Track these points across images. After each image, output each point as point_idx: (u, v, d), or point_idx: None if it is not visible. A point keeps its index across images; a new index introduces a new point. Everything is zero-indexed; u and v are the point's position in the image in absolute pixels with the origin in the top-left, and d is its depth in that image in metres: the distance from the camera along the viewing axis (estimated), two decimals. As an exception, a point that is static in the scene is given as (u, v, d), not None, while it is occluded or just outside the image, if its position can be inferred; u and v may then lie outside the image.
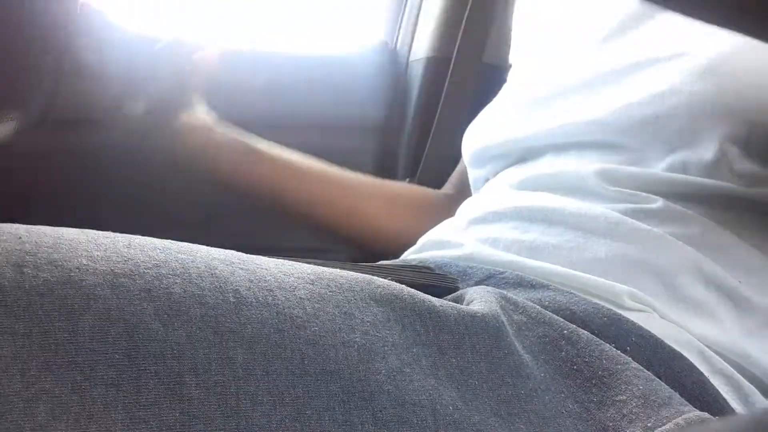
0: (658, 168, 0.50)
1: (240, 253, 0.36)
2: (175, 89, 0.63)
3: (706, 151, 0.48)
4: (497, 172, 0.63)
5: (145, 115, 0.62)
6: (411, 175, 0.99)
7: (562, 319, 0.41)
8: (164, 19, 0.86)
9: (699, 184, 0.48)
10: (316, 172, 0.73)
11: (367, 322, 0.35)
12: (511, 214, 0.53)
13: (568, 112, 0.56)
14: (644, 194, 0.49)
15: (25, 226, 0.32)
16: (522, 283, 0.46)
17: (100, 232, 0.34)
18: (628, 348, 0.41)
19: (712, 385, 0.42)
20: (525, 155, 0.60)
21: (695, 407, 0.39)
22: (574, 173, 0.52)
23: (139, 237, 0.34)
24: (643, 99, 0.51)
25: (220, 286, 0.32)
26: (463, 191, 0.71)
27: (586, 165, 0.53)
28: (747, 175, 0.48)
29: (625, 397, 0.37)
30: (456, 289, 0.44)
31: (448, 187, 0.81)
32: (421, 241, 0.60)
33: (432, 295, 0.39)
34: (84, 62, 0.58)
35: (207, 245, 0.36)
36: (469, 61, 0.98)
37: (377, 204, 0.74)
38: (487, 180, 0.65)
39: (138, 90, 0.62)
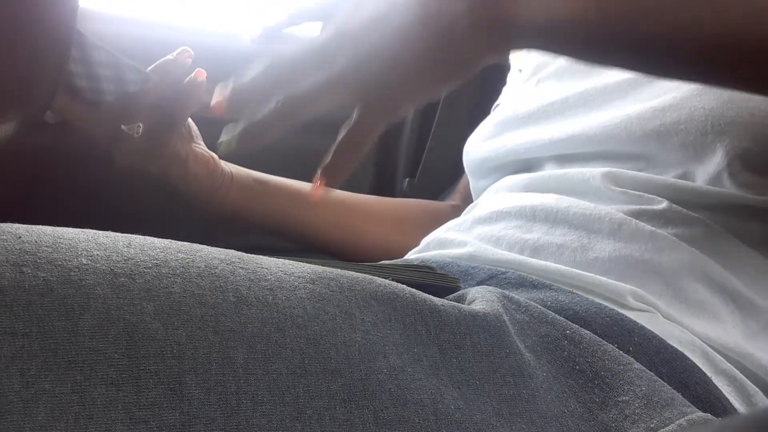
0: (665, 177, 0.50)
1: (240, 253, 0.36)
2: (169, 111, 0.62)
3: (710, 164, 0.48)
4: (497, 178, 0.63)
5: (142, 139, 0.61)
6: (411, 175, 0.99)
7: (564, 319, 0.41)
8: (163, 16, 0.86)
9: (704, 192, 0.48)
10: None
11: (368, 321, 0.35)
12: (515, 213, 0.53)
13: (569, 125, 0.56)
14: (649, 196, 0.49)
15: (24, 225, 0.32)
16: (524, 283, 0.46)
17: (100, 232, 0.33)
18: (631, 348, 0.41)
19: (715, 385, 0.42)
20: (527, 166, 0.60)
21: (698, 408, 0.38)
22: (581, 174, 0.52)
23: (139, 236, 0.34)
24: (644, 114, 0.51)
25: (221, 286, 0.32)
26: (470, 201, 0.71)
27: (592, 169, 0.53)
28: (750, 185, 0.48)
29: (627, 398, 0.37)
30: (458, 289, 0.44)
31: (455, 197, 0.81)
32: (425, 240, 0.59)
33: (433, 295, 0.39)
34: (78, 88, 0.57)
35: (207, 244, 0.36)
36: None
37: (386, 224, 0.74)
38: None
39: (133, 113, 0.61)
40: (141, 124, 0.61)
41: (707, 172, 0.48)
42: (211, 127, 0.70)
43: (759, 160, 0.47)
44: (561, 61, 0.62)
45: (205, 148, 0.68)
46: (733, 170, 0.47)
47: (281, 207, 0.70)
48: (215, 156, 0.67)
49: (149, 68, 0.61)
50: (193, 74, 0.61)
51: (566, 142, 0.55)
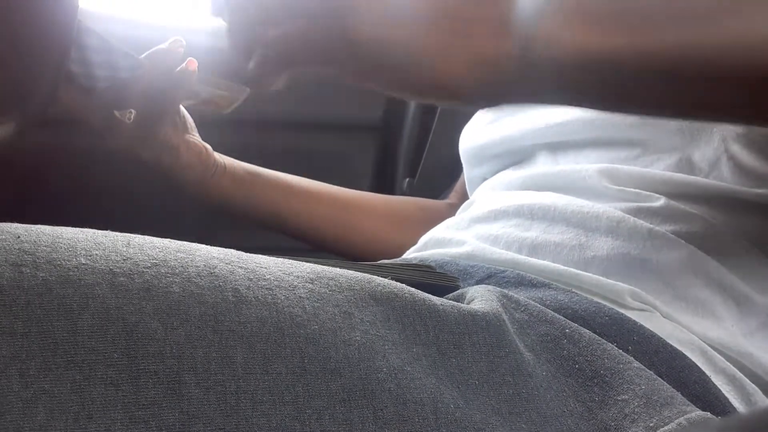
0: (661, 166, 0.50)
1: (239, 252, 0.36)
2: (160, 98, 0.63)
3: (708, 149, 0.48)
4: (495, 172, 0.63)
5: (134, 125, 0.62)
6: (411, 175, 0.99)
7: (563, 318, 0.41)
8: (162, 17, 0.86)
9: (701, 185, 0.48)
10: (317, 193, 0.73)
11: (367, 321, 0.34)
12: (513, 212, 0.53)
13: (565, 110, 0.56)
14: (646, 193, 0.49)
15: (23, 225, 0.32)
16: (523, 282, 0.46)
17: (99, 231, 0.33)
18: (630, 347, 0.41)
19: (714, 384, 0.42)
20: (521, 154, 0.60)
21: (697, 407, 0.38)
22: (576, 172, 0.52)
23: (138, 236, 0.34)
24: None
25: (220, 285, 0.32)
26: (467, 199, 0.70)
27: (587, 164, 0.53)
28: (749, 173, 0.47)
29: (627, 397, 0.37)
30: (457, 288, 0.44)
31: (452, 196, 0.81)
32: (422, 239, 0.59)
33: (432, 294, 0.39)
34: (75, 74, 0.58)
35: (206, 244, 0.36)
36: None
37: (381, 221, 0.74)
38: (484, 179, 0.64)
39: (126, 100, 0.62)
40: (133, 111, 0.62)
41: (705, 158, 0.48)
42: (206, 120, 0.71)
43: (755, 146, 0.47)
44: None
45: (199, 139, 0.68)
46: (732, 156, 0.47)
47: (273, 199, 0.71)
48: (208, 147, 0.68)
49: (142, 56, 0.62)
50: (184, 64, 0.62)
51: (561, 127, 0.55)
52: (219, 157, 0.69)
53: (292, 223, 0.72)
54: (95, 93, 0.61)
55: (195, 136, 0.68)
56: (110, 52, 0.59)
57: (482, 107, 0.36)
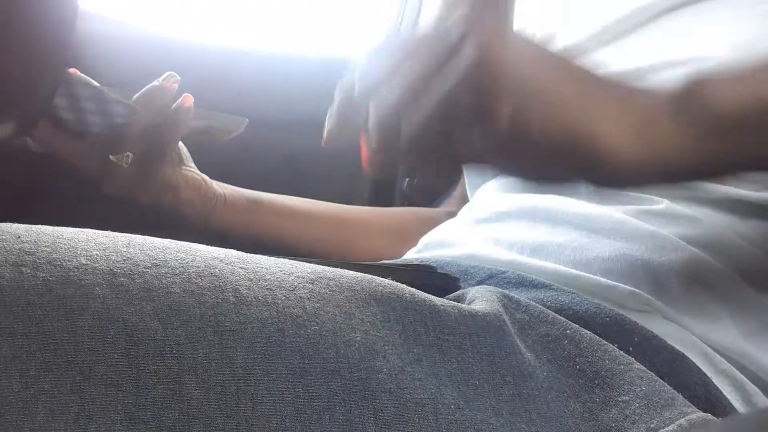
0: None
1: (240, 252, 0.36)
2: (157, 138, 0.62)
3: None
4: (497, 174, 0.62)
5: (132, 168, 0.61)
6: (411, 177, 0.99)
7: (564, 319, 0.41)
8: (162, 18, 0.86)
9: (703, 188, 0.48)
10: (317, 214, 0.73)
11: (368, 321, 0.34)
12: (515, 213, 0.53)
13: None
14: (649, 196, 0.49)
15: (24, 225, 0.32)
16: (524, 282, 0.46)
17: (100, 232, 0.33)
18: (631, 348, 0.41)
19: (715, 385, 0.42)
20: None
21: (698, 408, 0.38)
22: None
23: (139, 236, 0.34)
24: None
25: (220, 285, 0.32)
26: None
27: None
28: (753, 176, 0.47)
29: (627, 398, 0.37)
30: (457, 289, 0.44)
31: (452, 204, 0.81)
32: (423, 240, 0.59)
33: (433, 295, 0.39)
34: (65, 121, 0.57)
35: (206, 244, 0.36)
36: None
37: (381, 237, 0.74)
38: (485, 181, 0.64)
39: (122, 143, 0.60)
40: (130, 154, 0.60)
41: None
42: (202, 149, 0.70)
43: None
44: (569, 40, 0.61)
45: (196, 170, 0.67)
46: None
47: (274, 225, 0.70)
48: (206, 178, 0.67)
49: (135, 96, 0.60)
50: (180, 100, 0.61)
51: None
52: (218, 186, 0.68)
53: (294, 247, 0.71)
54: (88, 138, 0.59)
55: (191, 168, 0.67)
56: (102, 101, 0.57)
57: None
